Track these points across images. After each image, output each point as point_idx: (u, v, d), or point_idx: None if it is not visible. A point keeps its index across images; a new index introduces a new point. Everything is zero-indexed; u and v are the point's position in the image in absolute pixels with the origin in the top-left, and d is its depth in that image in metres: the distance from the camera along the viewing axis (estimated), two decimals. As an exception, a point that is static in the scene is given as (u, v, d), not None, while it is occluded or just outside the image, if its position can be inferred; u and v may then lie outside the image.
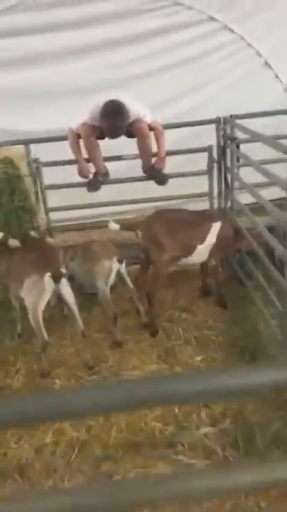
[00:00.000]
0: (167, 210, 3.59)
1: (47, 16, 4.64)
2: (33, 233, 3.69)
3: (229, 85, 5.31)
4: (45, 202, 3.97)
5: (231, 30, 5.22)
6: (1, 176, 3.52)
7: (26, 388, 2.93)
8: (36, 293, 2.91)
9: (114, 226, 3.37)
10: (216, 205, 4.07)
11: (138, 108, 3.56)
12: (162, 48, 5.08)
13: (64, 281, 2.93)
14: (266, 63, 5.39)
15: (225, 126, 3.89)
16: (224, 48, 5.24)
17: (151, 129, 3.66)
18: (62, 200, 4.14)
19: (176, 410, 2.57)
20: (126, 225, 3.40)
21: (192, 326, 3.40)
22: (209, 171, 3.97)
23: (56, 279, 2.88)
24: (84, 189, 3.84)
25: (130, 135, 3.72)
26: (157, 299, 3.39)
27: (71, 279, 3.15)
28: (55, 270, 2.90)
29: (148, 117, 3.62)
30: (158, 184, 3.85)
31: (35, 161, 3.82)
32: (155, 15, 4.96)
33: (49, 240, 3.68)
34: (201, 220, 3.38)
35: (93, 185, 3.83)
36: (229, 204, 4.08)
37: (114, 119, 3.37)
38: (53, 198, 4.09)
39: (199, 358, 3.03)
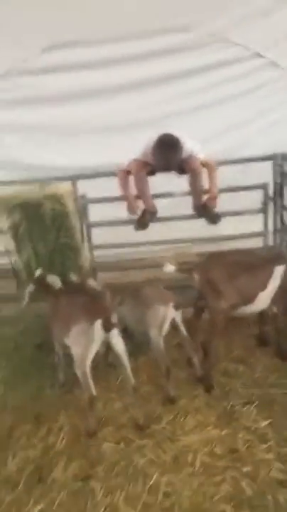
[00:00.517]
0: (226, 252, 3.32)
1: (97, 52, 4.62)
2: (72, 275, 3.47)
3: (276, 121, 5.15)
4: (89, 239, 3.77)
5: (278, 66, 5.07)
6: (49, 213, 3.34)
7: (71, 451, 2.61)
8: (84, 342, 2.64)
9: (169, 268, 3.11)
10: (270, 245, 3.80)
11: (191, 144, 3.38)
12: (209, 83, 4.99)
13: (115, 330, 2.66)
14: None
15: (283, 162, 3.64)
16: (270, 84, 5.09)
17: (204, 165, 3.46)
18: (107, 237, 3.95)
19: (249, 491, 2.19)
20: (182, 268, 3.14)
21: (251, 382, 3.05)
22: (264, 209, 3.71)
23: (107, 327, 2.61)
24: (129, 226, 3.67)
25: (181, 171, 3.54)
26: (214, 350, 3.07)
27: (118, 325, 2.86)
28: (106, 318, 2.63)
29: (201, 154, 3.43)
30: (210, 223, 3.64)
31: (83, 197, 3.65)
32: (203, 52, 4.88)
33: (91, 282, 3.45)
34: (263, 264, 3.08)
35: (141, 223, 3.64)
36: (285, 244, 3.79)
37: (167, 152, 3.20)
38: (97, 235, 3.91)
39: (265, 423, 2.66)
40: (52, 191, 3.40)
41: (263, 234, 3.76)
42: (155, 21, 4.58)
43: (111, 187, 3.78)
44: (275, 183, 3.67)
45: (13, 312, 4.22)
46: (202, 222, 3.69)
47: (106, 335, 2.64)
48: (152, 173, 3.58)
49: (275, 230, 3.77)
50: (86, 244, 3.73)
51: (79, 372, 2.66)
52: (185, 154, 3.33)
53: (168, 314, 2.95)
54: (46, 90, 4.77)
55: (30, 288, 3.38)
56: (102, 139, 4.74)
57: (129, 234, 3.95)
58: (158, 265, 3.24)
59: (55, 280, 3.31)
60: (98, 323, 2.61)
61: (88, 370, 2.65)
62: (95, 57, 4.67)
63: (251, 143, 5.01)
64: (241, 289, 2.97)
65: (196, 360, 3.11)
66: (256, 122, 5.13)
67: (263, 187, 3.63)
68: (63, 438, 2.71)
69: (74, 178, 3.67)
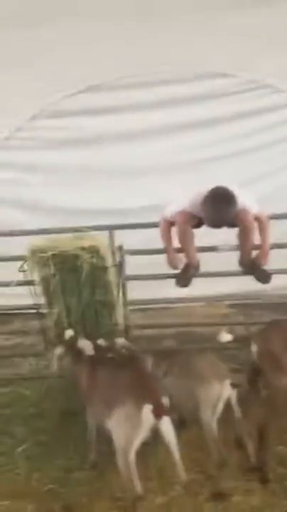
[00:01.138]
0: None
1: (136, 95, 4.45)
2: (100, 341, 3.11)
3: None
4: (125, 294, 3.43)
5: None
6: (85, 266, 3.02)
7: None
8: (130, 428, 2.26)
9: (226, 337, 2.76)
10: None
11: (244, 198, 3.09)
12: (249, 129, 4.77)
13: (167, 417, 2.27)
14: None
15: None
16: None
17: (255, 220, 3.16)
18: (140, 290, 3.61)
19: None
20: (240, 336, 2.78)
21: (315, 475, 2.62)
22: None
23: (157, 413, 2.23)
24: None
25: (231, 225, 3.23)
26: (271, 434, 2.65)
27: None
28: (157, 402, 2.25)
29: (254, 208, 3.14)
30: (259, 281, 3.30)
31: (120, 249, 3.34)
32: (244, 97, 4.70)
33: (121, 341, 3.09)
34: None
35: (184, 279, 3.32)
36: None
37: (221, 208, 2.92)
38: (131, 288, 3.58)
39: None
40: (90, 242, 3.09)
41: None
42: (197, 65, 4.42)
43: (147, 236, 3.51)
44: None
45: (34, 370, 3.89)
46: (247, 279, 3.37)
47: (156, 421, 2.25)
48: (198, 225, 3.29)
49: None
50: (121, 301, 3.38)
51: (121, 463, 2.27)
52: (237, 208, 3.04)
53: (224, 393, 2.56)
54: (80, 132, 4.58)
55: (60, 351, 3.03)
56: (136, 182, 4.51)
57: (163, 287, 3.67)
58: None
59: (87, 346, 2.96)
60: (147, 408, 2.23)
61: (133, 461, 2.25)
62: (133, 100, 4.51)
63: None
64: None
65: (251, 445, 2.69)
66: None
67: None
68: None
69: (111, 228, 3.37)
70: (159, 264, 3.45)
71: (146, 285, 3.46)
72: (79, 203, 4.45)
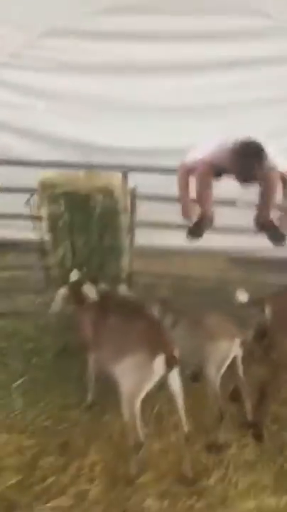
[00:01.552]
0: None
1: (160, 22, 4.02)
2: (103, 286, 3.01)
3: None
4: (132, 241, 3.31)
5: None
6: (98, 210, 2.85)
7: (108, 501, 2.23)
8: (139, 377, 2.23)
9: (243, 296, 2.71)
10: None
11: (273, 153, 2.90)
12: (271, 77, 4.45)
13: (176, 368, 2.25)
14: None
15: None
16: None
17: (281, 178, 3.00)
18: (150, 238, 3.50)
19: None
20: (255, 298, 2.73)
21: (307, 434, 2.69)
22: None
23: (170, 364, 2.20)
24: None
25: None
26: (272, 394, 2.69)
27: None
28: (170, 352, 2.21)
29: (281, 165, 2.96)
30: (273, 242, 3.20)
31: (132, 192, 3.16)
32: (280, 41, 4.32)
33: (123, 289, 3.01)
34: None
35: (196, 231, 3.18)
36: None
37: (252, 163, 2.73)
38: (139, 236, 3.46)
39: None
40: (104, 183, 2.91)
41: None
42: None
43: (159, 182, 3.34)
44: None
45: (33, 306, 3.81)
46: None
47: (167, 372, 2.22)
48: (218, 176, 3.11)
49: None
50: (128, 247, 3.27)
51: (126, 411, 2.26)
52: (268, 165, 2.87)
53: (232, 351, 2.54)
54: (94, 57, 4.17)
55: (63, 293, 2.94)
56: (153, 120, 4.21)
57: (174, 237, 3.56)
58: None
59: (91, 291, 2.86)
60: (160, 359, 2.19)
61: (137, 409, 2.24)
62: (157, 28, 4.08)
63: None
64: None
65: (248, 402, 2.73)
66: None
67: None
68: (97, 483, 2.32)
69: (126, 169, 3.17)
70: (164, 211, 3.33)
71: (144, 232, 3.34)
72: (89, 138, 4.14)
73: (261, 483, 2.37)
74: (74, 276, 2.96)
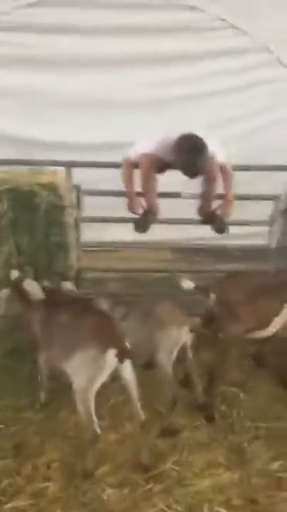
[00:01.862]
0: (245, 272, 3.06)
1: (93, 16, 4.00)
2: (46, 283, 2.98)
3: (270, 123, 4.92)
4: (79, 237, 3.29)
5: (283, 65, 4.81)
6: (43, 207, 2.82)
7: (66, 497, 2.23)
8: (92, 372, 2.25)
9: (188, 284, 2.79)
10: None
11: (213, 144, 3.02)
12: (209, 71, 4.60)
13: (128, 360, 2.29)
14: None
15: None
16: (275, 82, 4.82)
17: (221, 168, 3.13)
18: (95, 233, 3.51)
19: None
20: (200, 286, 2.82)
21: (255, 413, 2.85)
22: (271, 223, 3.47)
23: (121, 358, 2.23)
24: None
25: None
26: (221, 377, 2.81)
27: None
28: (121, 346, 2.25)
29: (221, 156, 3.08)
30: (217, 232, 3.34)
31: (77, 188, 3.15)
32: (208, 36, 4.46)
33: (68, 285, 3.00)
34: (279, 287, 2.86)
35: (142, 224, 3.24)
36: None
37: (195, 157, 2.81)
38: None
39: (277, 465, 2.47)
40: (48, 179, 2.88)
41: (266, 248, 3.53)
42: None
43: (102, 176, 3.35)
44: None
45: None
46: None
47: (119, 365, 2.25)
48: (161, 170, 3.18)
49: (278, 247, 3.55)
50: (75, 243, 3.25)
51: (80, 407, 2.27)
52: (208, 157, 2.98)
53: (182, 338, 2.63)
54: (34, 51, 4.08)
55: (4, 294, 2.88)
56: (96, 114, 4.19)
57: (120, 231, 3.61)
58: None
59: (33, 288, 2.82)
60: (111, 352, 2.21)
61: (92, 404, 2.26)
62: (99, 22, 4.06)
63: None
64: (259, 313, 2.74)
65: (199, 386, 2.84)
66: (253, 120, 4.85)
67: (275, 199, 3.38)
68: (55, 480, 2.32)
69: (68, 165, 3.15)
70: (109, 206, 3.36)
71: (90, 228, 3.35)
72: (31, 134, 4.05)
73: (215, 461, 2.48)
74: (14, 275, 2.89)
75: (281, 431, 2.71)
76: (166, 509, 2.19)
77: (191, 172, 2.87)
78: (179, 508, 2.19)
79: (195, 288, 2.80)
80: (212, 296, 2.73)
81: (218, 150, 3.05)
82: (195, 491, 2.29)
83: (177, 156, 2.84)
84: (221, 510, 2.20)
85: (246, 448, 2.58)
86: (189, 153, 2.80)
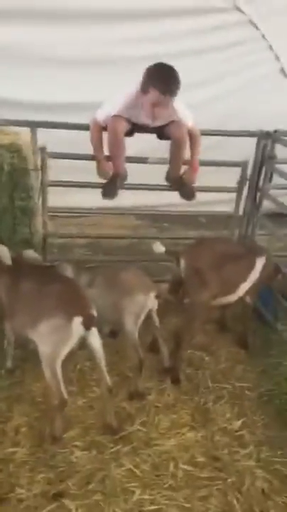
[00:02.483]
0: (213, 239, 3.09)
1: None
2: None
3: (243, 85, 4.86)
4: (44, 201, 3.18)
5: (255, 27, 4.70)
6: (6, 169, 2.69)
7: (35, 460, 2.26)
8: (58, 340, 2.23)
9: (159, 248, 2.79)
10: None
11: (180, 109, 2.94)
12: (181, 30, 4.43)
13: (94, 327, 2.28)
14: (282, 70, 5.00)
15: (266, 141, 3.40)
16: (244, 44, 4.73)
17: (188, 134, 3.07)
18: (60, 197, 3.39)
19: (237, 506, 2.11)
20: (170, 251, 2.82)
21: (218, 375, 2.95)
22: (238, 190, 3.48)
23: (87, 325, 2.22)
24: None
25: (162, 137, 3.10)
26: (187, 342, 2.87)
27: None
28: (87, 313, 2.23)
29: (189, 120, 3.02)
30: (184, 198, 3.31)
31: (42, 150, 3.01)
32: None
33: (30, 253, 2.91)
34: (246, 254, 2.92)
35: (110, 190, 3.16)
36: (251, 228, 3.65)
37: (170, 74, 2.72)
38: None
39: (239, 423, 2.59)
40: (11, 140, 2.73)
41: (232, 215, 3.56)
42: None
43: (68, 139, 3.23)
44: (255, 163, 3.43)
45: None
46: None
47: (85, 333, 2.25)
48: (130, 133, 3.09)
49: (245, 213, 3.59)
50: (41, 208, 3.14)
51: (47, 373, 2.26)
52: (173, 116, 2.91)
53: (148, 304, 2.65)
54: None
55: None
56: (64, 71, 3.96)
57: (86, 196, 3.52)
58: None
59: (5, 253, 2.73)
60: (77, 320, 2.20)
61: (59, 370, 2.26)
62: None
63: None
64: (226, 279, 2.79)
65: (165, 350, 2.89)
66: (223, 81, 4.77)
67: (242, 165, 3.37)
68: (23, 444, 2.33)
69: (33, 125, 2.99)
70: (74, 169, 3.26)
71: (55, 192, 3.24)
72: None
73: (180, 421, 2.57)
74: None
75: (242, 390, 2.83)
76: (134, 469, 2.26)
77: (166, 85, 2.73)
78: (146, 468, 2.27)
79: (166, 252, 2.80)
80: (182, 261, 2.73)
81: (186, 114, 2.98)
82: (161, 451, 2.37)
83: (151, 75, 2.74)
84: (186, 467, 2.29)
85: (210, 408, 2.68)
86: (163, 72, 2.72)
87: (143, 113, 2.88)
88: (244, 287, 2.91)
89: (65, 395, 2.27)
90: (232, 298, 2.93)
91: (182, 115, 2.96)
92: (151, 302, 2.67)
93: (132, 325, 2.64)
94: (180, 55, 4.35)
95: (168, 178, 3.32)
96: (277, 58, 4.88)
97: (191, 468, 2.29)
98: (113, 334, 3.01)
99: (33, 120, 2.96)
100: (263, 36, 4.74)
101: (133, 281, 2.68)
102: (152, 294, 2.64)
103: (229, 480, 2.25)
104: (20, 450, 2.30)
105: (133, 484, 2.18)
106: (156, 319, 2.81)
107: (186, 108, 3.00)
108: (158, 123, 2.95)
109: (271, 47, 4.81)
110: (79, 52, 4.02)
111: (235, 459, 2.37)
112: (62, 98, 3.99)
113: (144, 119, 2.91)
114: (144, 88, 2.78)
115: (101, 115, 2.95)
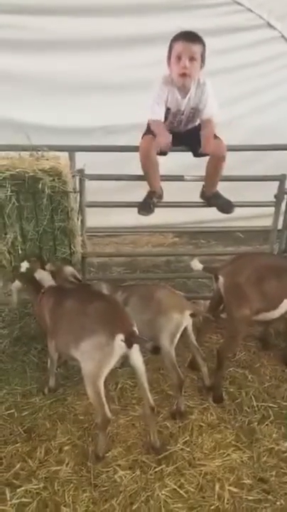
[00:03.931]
0: (253, 254, 3.06)
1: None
2: (49, 266, 2.97)
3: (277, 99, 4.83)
4: (83, 222, 3.26)
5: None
6: (47, 192, 2.79)
7: (79, 479, 2.26)
8: (101, 358, 2.24)
9: (197, 265, 2.80)
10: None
11: (214, 100, 2.96)
12: (215, 49, 4.47)
13: (137, 345, 2.29)
14: None
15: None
16: (279, 59, 4.72)
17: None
18: (98, 218, 3.47)
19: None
20: (208, 267, 2.81)
21: (263, 393, 2.87)
22: (277, 203, 3.43)
23: (129, 342, 2.23)
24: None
25: (198, 153, 3.10)
26: (228, 359, 2.82)
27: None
28: (129, 331, 2.24)
29: (214, 108, 2.97)
30: (223, 211, 3.29)
31: (80, 173, 3.10)
32: (211, 12, 4.34)
33: (68, 269, 2.98)
34: (287, 268, 2.85)
35: (145, 206, 3.20)
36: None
37: (188, 31, 2.79)
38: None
39: (286, 444, 2.50)
40: (51, 164, 2.83)
41: (271, 230, 3.50)
42: None
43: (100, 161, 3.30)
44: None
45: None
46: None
47: (127, 350, 2.25)
48: (163, 153, 3.13)
49: (284, 227, 3.52)
50: (79, 228, 3.21)
51: (90, 391, 2.28)
52: (207, 112, 2.94)
53: (183, 322, 2.62)
54: (29, 34, 3.98)
55: (17, 285, 2.89)
56: (95, 97, 4.11)
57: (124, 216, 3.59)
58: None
59: (45, 277, 2.83)
60: (119, 337, 2.21)
61: (102, 389, 2.27)
62: (89, 3, 3.96)
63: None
64: (268, 295, 2.73)
65: (205, 368, 2.85)
66: (255, 98, 4.77)
67: (281, 179, 3.33)
68: (67, 462, 2.35)
69: (72, 149, 3.10)
70: (109, 190, 3.34)
71: (94, 213, 3.32)
72: (29, 118, 3.97)
73: (224, 442, 2.50)
74: (24, 266, 2.88)
75: (288, 410, 2.74)
76: (178, 489, 2.22)
77: (190, 35, 2.79)
78: (191, 489, 2.22)
79: (204, 269, 2.78)
80: (221, 278, 2.71)
81: (216, 108, 2.96)
82: (206, 471, 2.32)
83: (173, 39, 2.82)
84: (232, 489, 2.22)
85: (255, 428, 2.60)
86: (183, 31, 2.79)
87: (176, 88, 2.89)
88: (287, 302, 2.84)
89: (109, 414, 2.27)
90: (275, 314, 2.86)
91: (213, 109, 2.96)
92: (186, 320, 2.64)
93: (168, 344, 2.62)
94: (215, 72, 4.40)
95: (203, 195, 3.33)
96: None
97: (237, 490, 2.22)
98: (155, 350, 2.99)
99: (71, 144, 3.07)
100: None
101: (167, 300, 2.67)
102: (187, 312, 2.62)
103: (278, 503, 2.16)
104: (64, 468, 2.32)
105: (178, 505, 2.14)
106: (193, 337, 2.78)
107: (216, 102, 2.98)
108: (192, 92, 2.92)
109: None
110: (108, 77, 4.16)
111: (283, 481, 2.28)
112: (91, 122, 4.11)
113: (178, 96, 2.92)
114: (168, 57, 2.85)
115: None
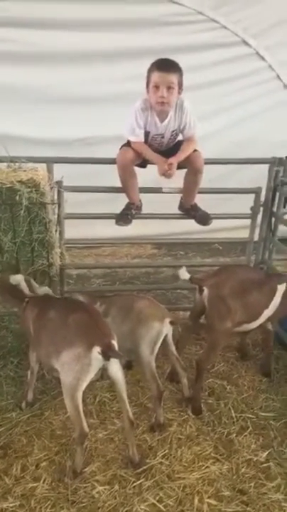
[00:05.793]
0: (236, 266, 3.09)
1: (71, 10, 3.94)
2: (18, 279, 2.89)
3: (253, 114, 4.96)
4: (61, 234, 3.25)
5: (262, 58, 4.84)
6: (25, 203, 2.77)
7: (56, 496, 2.21)
8: (78, 370, 2.22)
9: (184, 275, 2.80)
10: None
11: (193, 117, 2.99)
12: (191, 65, 4.58)
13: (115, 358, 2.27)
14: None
15: (279, 167, 3.43)
16: (254, 75, 4.86)
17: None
18: (77, 230, 3.46)
19: None
20: (195, 278, 2.83)
21: (241, 404, 2.88)
22: (253, 216, 3.50)
23: (107, 355, 2.21)
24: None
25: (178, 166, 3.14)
26: (207, 371, 2.83)
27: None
28: (107, 344, 2.23)
29: (196, 131, 3.02)
30: (200, 223, 3.34)
31: (59, 184, 3.10)
32: (188, 29, 4.46)
33: (43, 288, 2.94)
34: (267, 281, 2.90)
35: (125, 218, 3.22)
36: (267, 254, 3.64)
37: (166, 59, 2.80)
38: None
39: (264, 455, 2.51)
40: (29, 176, 2.82)
41: (247, 241, 3.56)
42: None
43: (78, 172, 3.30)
44: (268, 189, 3.45)
45: None
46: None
47: (105, 362, 2.24)
48: (142, 165, 3.17)
49: (260, 238, 3.59)
50: (58, 240, 3.20)
51: (69, 404, 2.24)
52: (185, 127, 2.98)
53: (163, 331, 2.63)
54: (13, 46, 4.00)
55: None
56: (73, 110, 4.14)
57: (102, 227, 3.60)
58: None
59: (32, 287, 2.80)
60: (96, 350, 2.19)
61: (80, 402, 2.24)
62: (78, 16, 4.00)
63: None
64: (250, 307, 2.76)
65: (185, 379, 2.85)
66: (229, 113, 4.89)
67: (256, 192, 3.40)
68: (44, 479, 2.29)
69: (50, 161, 3.10)
70: (86, 202, 3.35)
71: (72, 224, 3.31)
72: (7, 129, 3.96)
73: (203, 454, 2.49)
74: (15, 280, 2.82)
75: (267, 420, 2.75)
76: (157, 503, 2.19)
77: (168, 65, 2.80)
78: (170, 503, 2.20)
79: (190, 279, 2.80)
80: (205, 290, 2.72)
81: (195, 123, 2.99)
82: (185, 484, 2.30)
83: (151, 67, 2.82)
84: (211, 501, 2.21)
85: (233, 439, 2.60)
86: (161, 59, 2.81)
87: (155, 113, 2.91)
88: (267, 314, 2.87)
89: (86, 428, 2.23)
90: (254, 325, 2.89)
91: (192, 123, 2.98)
92: (166, 328, 2.65)
93: (149, 353, 2.61)
94: (193, 87, 4.50)
95: (181, 207, 3.37)
96: (285, 87, 4.99)
97: (216, 502, 2.21)
98: (128, 364, 3.00)
99: (49, 156, 3.06)
100: (270, 67, 4.86)
101: (147, 309, 2.68)
102: (167, 320, 2.63)
103: (257, 515, 2.16)
104: (41, 485, 2.26)
105: (157, 520, 2.11)
106: (173, 347, 2.78)
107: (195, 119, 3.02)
108: (171, 121, 2.95)
109: (278, 76, 4.92)
110: (83, 91, 4.20)
111: (262, 492, 2.28)
112: (71, 134, 4.13)
113: (157, 120, 2.94)
114: (147, 85, 2.86)
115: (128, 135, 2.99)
